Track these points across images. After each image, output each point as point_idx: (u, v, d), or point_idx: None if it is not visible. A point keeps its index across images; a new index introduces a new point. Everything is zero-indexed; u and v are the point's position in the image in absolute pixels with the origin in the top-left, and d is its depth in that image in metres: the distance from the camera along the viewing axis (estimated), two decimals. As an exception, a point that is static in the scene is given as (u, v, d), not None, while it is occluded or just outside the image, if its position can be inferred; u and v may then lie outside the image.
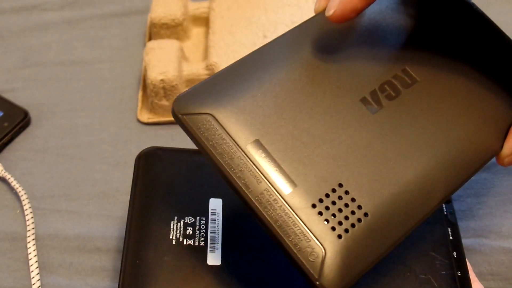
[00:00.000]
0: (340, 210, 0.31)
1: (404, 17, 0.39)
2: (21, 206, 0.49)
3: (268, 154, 0.32)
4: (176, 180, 0.38)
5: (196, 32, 0.60)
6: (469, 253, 0.46)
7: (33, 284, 0.45)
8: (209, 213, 0.37)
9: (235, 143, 0.32)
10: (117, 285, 0.36)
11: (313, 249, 0.30)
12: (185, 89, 0.52)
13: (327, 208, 0.31)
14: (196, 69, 0.54)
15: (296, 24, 0.38)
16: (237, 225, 0.37)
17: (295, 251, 0.30)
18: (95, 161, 0.52)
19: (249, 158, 0.32)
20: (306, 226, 0.31)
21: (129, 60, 0.59)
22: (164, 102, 0.53)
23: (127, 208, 0.49)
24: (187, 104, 0.33)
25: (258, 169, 0.32)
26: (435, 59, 0.37)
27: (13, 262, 0.47)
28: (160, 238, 0.36)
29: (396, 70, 0.37)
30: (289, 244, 0.30)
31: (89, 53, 0.60)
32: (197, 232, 0.37)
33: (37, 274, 0.46)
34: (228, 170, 0.32)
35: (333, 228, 0.31)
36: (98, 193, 0.50)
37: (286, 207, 0.31)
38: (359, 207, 0.32)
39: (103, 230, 0.48)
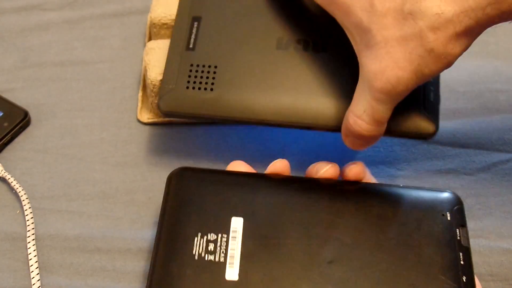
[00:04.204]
0: (201, 77, 0.46)
1: None
2: (21, 206, 0.49)
3: (198, 28, 0.48)
4: (203, 198, 0.42)
5: (196, 32, 0.60)
6: (468, 254, 0.46)
7: (33, 284, 0.45)
8: (230, 231, 0.40)
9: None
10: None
11: (172, 83, 0.46)
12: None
13: (196, 71, 0.46)
14: (196, 69, 0.54)
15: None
16: (255, 243, 0.40)
17: (164, 80, 0.47)
18: (95, 161, 0.52)
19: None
20: (178, 72, 0.47)
21: (129, 60, 0.59)
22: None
23: (126, 208, 0.50)
24: None
25: (186, 32, 0.48)
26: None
27: (13, 262, 0.47)
28: (184, 253, 0.39)
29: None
30: (165, 74, 0.47)
31: (89, 53, 0.60)
32: (218, 248, 0.39)
33: (37, 274, 0.46)
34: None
35: (189, 82, 0.46)
36: (98, 193, 0.50)
37: (179, 58, 0.47)
38: (213, 83, 0.46)
39: (103, 231, 0.48)
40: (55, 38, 0.61)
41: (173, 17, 0.56)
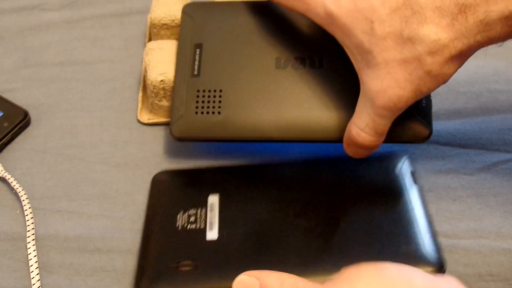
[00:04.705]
0: (208, 102, 0.49)
1: None
2: (21, 206, 0.49)
3: (201, 54, 0.51)
4: (182, 186, 0.49)
5: (196, 32, 0.60)
6: (468, 254, 0.46)
7: (33, 284, 0.45)
8: (208, 205, 0.46)
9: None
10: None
11: (181, 109, 0.49)
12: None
13: (203, 96, 0.49)
14: (196, 70, 0.54)
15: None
16: (231, 211, 0.46)
17: (173, 106, 0.49)
18: (95, 161, 0.52)
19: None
20: (186, 98, 0.49)
21: (129, 60, 0.59)
22: (164, 103, 0.53)
23: (127, 208, 0.50)
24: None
25: (189, 59, 0.51)
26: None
27: (13, 263, 0.47)
28: (169, 227, 0.45)
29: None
30: (174, 101, 0.49)
31: (89, 53, 0.60)
32: (198, 219, 0.46)
33: (37, 274, 0.46)
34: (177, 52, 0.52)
35: (197, 107, 0.49)
36: (98, 194, 0.50)
37: (186, 84, 0.49)
38: (219, 107, 0.48)
39: (103, 231, 0.48)
40: (55, 38, 0.61)
41: (173, 17, 0.56)
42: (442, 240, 0.47)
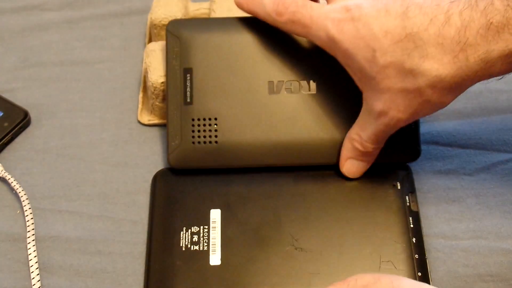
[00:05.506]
0: (204, 131, 0.48)
1: None
2: (21, 207, 0.49)
3: (191, 80, 0.49)
4: (184, 195, 0.48)
5: (196, 32, 0.60)
6: (468, 254, 0.46)
7: (33, 285, 0.45)
8: (210, 222, 0.47)
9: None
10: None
11: (177, 138, 0.49)
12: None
13: (198, 125, 0.49)
14: (196, 70, 0.54)
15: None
16: (232, 230, 0.46)
17: (169, 135, 0.49)
18: (95, 161, 0.52)
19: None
20: (181, 127, 0.49)
21: (129, 61, 0.59)
22: (165, 104, 0.53)
23: (127, 209, 0.50)
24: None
25: (180, 86, 0.49)
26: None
27: (13, 263, 0.47)
28: (173, 246, 0.46)
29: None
30: (169, 130, 0.49)
31: (89, 53, 0.60)
32: (201, 239, 0.46)
33: (37, 275, 0.46)
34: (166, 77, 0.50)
35: (193, 137, 0.49)
36: (99, 194, 0.50)
37: (180, 113, 0.49)
38: (216, 136, 0.48)
39: (104, 233, 0.48)
40: (55, 38, 0.61)
41: (174, 18, 0.56)
42: (441, 241, 0.47)
